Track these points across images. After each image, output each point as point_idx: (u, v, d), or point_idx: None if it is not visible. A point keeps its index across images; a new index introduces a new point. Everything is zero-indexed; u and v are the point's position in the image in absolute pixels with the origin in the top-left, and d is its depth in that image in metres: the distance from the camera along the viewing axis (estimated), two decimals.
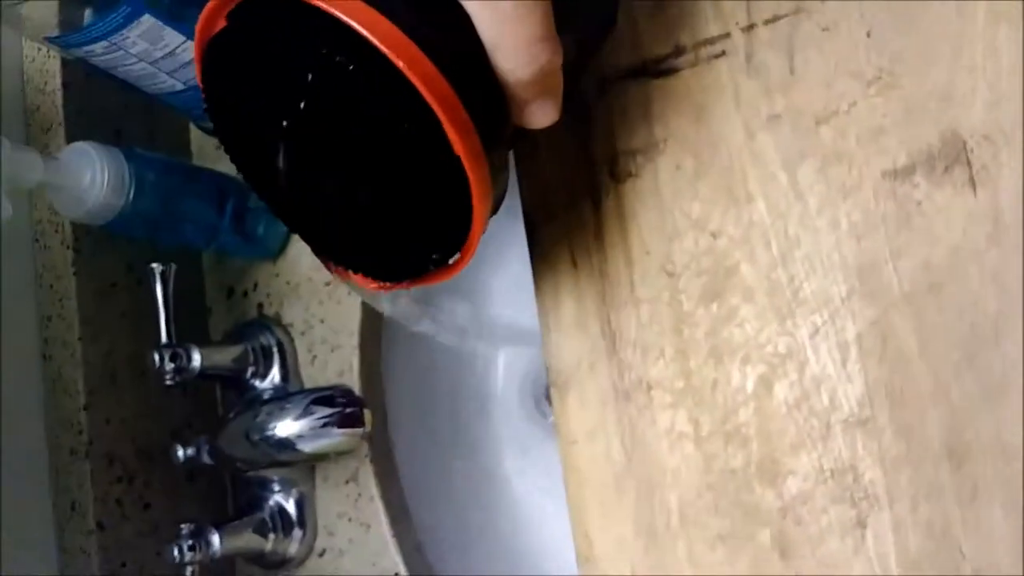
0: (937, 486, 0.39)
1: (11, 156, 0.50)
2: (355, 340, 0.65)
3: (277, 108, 0.35)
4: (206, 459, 0.62)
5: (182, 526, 0.59)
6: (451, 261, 0.37)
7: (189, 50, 0.53)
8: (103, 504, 0.61)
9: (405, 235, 0.37)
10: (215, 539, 0.59)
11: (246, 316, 0.70)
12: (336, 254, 0.40)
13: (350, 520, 0.65)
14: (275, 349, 0.66)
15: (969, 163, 0.39)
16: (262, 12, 0.33)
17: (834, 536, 0.40)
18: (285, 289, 0.68)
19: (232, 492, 0.71)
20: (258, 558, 0.65)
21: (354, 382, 0.65)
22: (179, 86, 0.55)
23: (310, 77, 0.32)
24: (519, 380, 0.77)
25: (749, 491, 0.42)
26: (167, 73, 0.54)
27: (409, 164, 0.33)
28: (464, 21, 0.33)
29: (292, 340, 0.67)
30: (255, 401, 0.64)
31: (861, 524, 0.40)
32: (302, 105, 0.33)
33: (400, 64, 0.31)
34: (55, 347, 0.62)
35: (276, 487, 0.65)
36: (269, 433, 0.57)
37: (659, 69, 0.45)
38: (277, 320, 0.68)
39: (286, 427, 0.56)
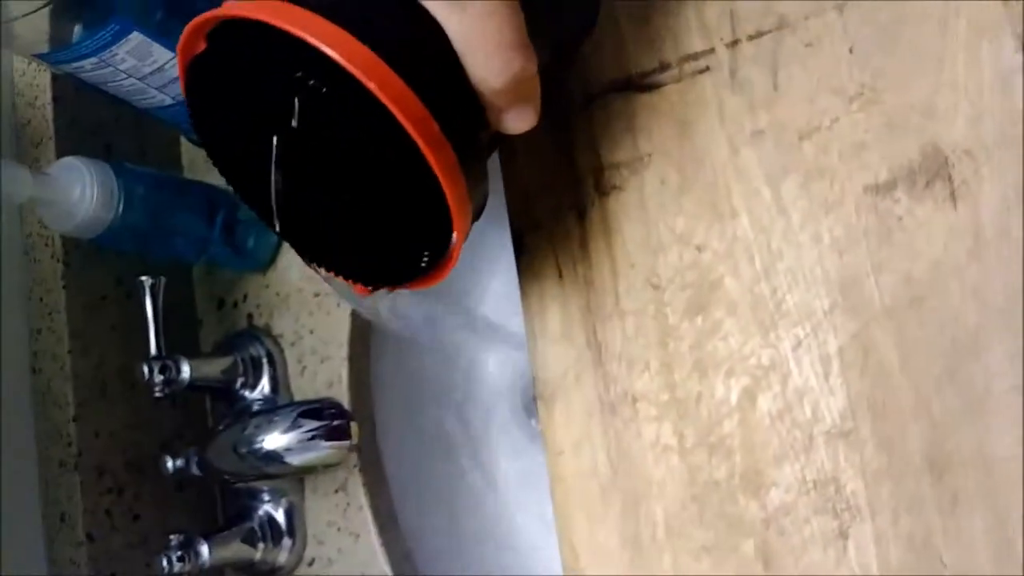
0: (918, 497, 0.39)
1: (1, 172, 0.50)
2: (344, 351, 0.66)
3: (260, 126, 0.35)
4: (195, 471, 0.62)
5: (171, 537, 0.59)
6: (435, 267, 0.38)
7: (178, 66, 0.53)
8: (92, 515, 0.61)
9: (390, 242, 0.37)
10: (204, 550, 0.59)
11: (236, 327, 0.70)
12: (324, 260, 0.40)
13: (339, 529, 0.65)
14: (265, 360, 0.66)
15: (950, 178, 0.40)
16: (237, 34, 0.33)
17: (817, 547, 0.41)
18: (275, 300, 0.69)
19: (221, 502, 0.71)
20: (247, 568, 0.65)
21: (343, 392, 0.66)
22: (168, 100, 0.56)
23: (286, 99, 0.33)
24: (508, 387, 0.77)
25: (733, 502, 0.42)
26: (156, 88, 0.54)
27: (389, 177, 0.34)
28: (436, 31, 0.33)
29: (282, 351, 0.68)
30: (244, 413, 0.64)
31: (843, 535, 0.40)
32: (284, 127, 0.34)
33: (371, 86, 0.31)
34: (45, 360, 0.62)
35: (265, 497, 0.65)
36: (257, 446, 0.57)
37: (644, 84, 0.46)
38: (267, 331, 0.68)
39: (274, 440, 0.57)
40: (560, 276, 0.47)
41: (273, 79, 0.33)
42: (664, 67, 0.45)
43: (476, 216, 0.37)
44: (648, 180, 0.45)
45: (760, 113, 0.43)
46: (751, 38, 0.43)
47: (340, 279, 0.40)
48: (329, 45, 0.31)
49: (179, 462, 0.62)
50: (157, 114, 0.57)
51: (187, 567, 0.58)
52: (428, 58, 0.34)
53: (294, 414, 0.57)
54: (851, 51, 0.42)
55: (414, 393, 0.75)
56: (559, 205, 0.47)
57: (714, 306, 0.43)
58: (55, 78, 0.62)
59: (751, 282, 0.43)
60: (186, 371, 0.60)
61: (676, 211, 0.44)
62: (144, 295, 0.59)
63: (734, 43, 0.44)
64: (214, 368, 0.64)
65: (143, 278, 0.59)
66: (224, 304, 0.71)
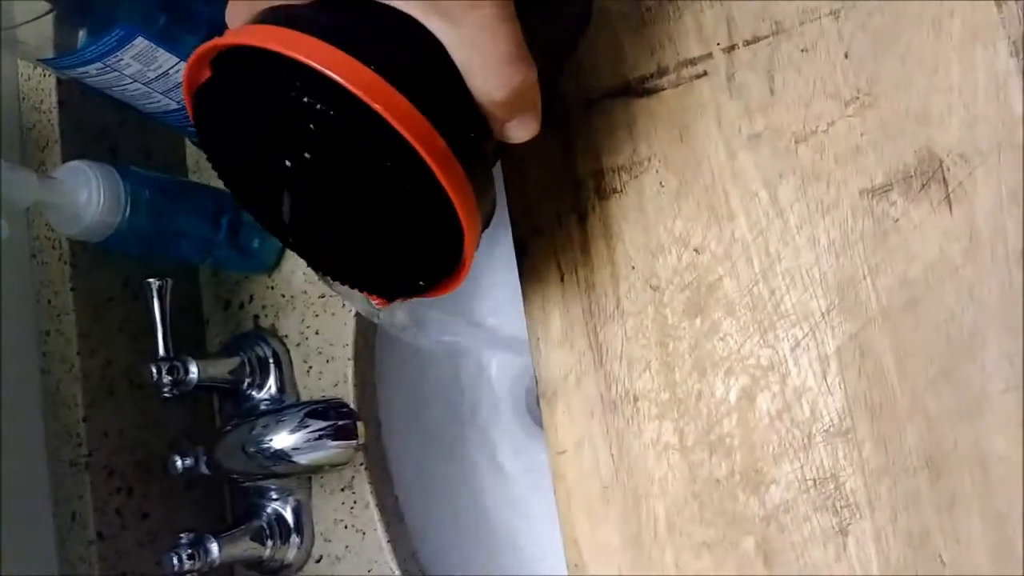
0: (916, 496, 0.40)
1: (7, 176, 0.50)
2: (349, 351, 0.66)
3: (268, 149, 0.36)
4: (204, 470, 0.63)
5: (181, 535, 0.60)
6: (449, 276, 0.38)
7: (182, 71, 0.54)
8: (103, 514, 0.61)
9: (403, 254, 0.38)
10: (214, 547, 0.59)
11: (242, 328, 0.71)
12: (340, 274, 0.41)
13: (346, 527, 0.66)
14: (271, 360, 0.67)
15: (945, 181, 0.40)
16: (241, 61, 0.34)
17: (816, 544, 0.41)
18: (280, 302, 0.69)
19: (230, 500, 0.71)
20: (256, 565, 0.66)
21: (348, 392, 0.66)
22: (173, 105, 0.56)
23: (293, 122, 0.33)
24: (511, 386, 0.78)
25: (733, 500, 0.43)
26: (161, 93, 0.55)
27: (399, 193, 0.34)
28: (436, 48, 0.34)
29: (288, 351, 0.68)
30: (251, 413, 0.65)
31: (843, 532, 0.41)
32: (294, 151, 0.34)
33: (377, 107, 0.32)
34: (54, 361, 0.62)
35: (273, 495, 0.66)
36: (265, 445, 0.58)
37: (642, 88, 0.46)
38: (273, 332, 0.69)
39: (281, 440, 0.57)
40: (561, 279, 0.47)
41: (279, 103, 0.33)
42: (662, 72, 0.46)
43: (485, 225, 0.38)
44: (647, 184, 0.46)
45: (757, 117, 0.44)
46: (748, 43, 0.44)
47: (356, 291, 0.40)
48: (332, 69, 0.31)
49: (188, 461, 0.63)
50: (162, 119, 0.58)
51: (197, 565, 0.58)
52: (430, 75, 0.34)
53: (301, 414, 0.57)
54: (846, 56, 0.42)
55: (418, 392, 0.75)
56: (560, 209, 0.48)
57: (713, 307, 0.44)
58: (60, 82, 0.63)
59: (749, 283, 0.43)
60: (194, 371, 0.61)
61: (675, 214, 0.45)
62: (151, 297, 0.60)
63: (731, 48, 0.44)
64: (221, 369, 0.65)
65: (150, 280, 0.60)
66: (230, 305, 0.71)
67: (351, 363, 0.66)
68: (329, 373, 0.67)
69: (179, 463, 0.63)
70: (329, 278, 0.41)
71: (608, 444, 0.46)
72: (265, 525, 0.65)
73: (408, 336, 0.55)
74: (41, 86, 0.63)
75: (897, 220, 0.41)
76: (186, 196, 0.63)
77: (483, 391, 0.78)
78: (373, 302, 0.41)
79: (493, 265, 0.72)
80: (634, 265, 0.46)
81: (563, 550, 0.46)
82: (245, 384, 0.66)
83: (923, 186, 0.40)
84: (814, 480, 0.41)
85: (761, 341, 0.43)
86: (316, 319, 0.67)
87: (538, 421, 0.75)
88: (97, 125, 0.65)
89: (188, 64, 0.35)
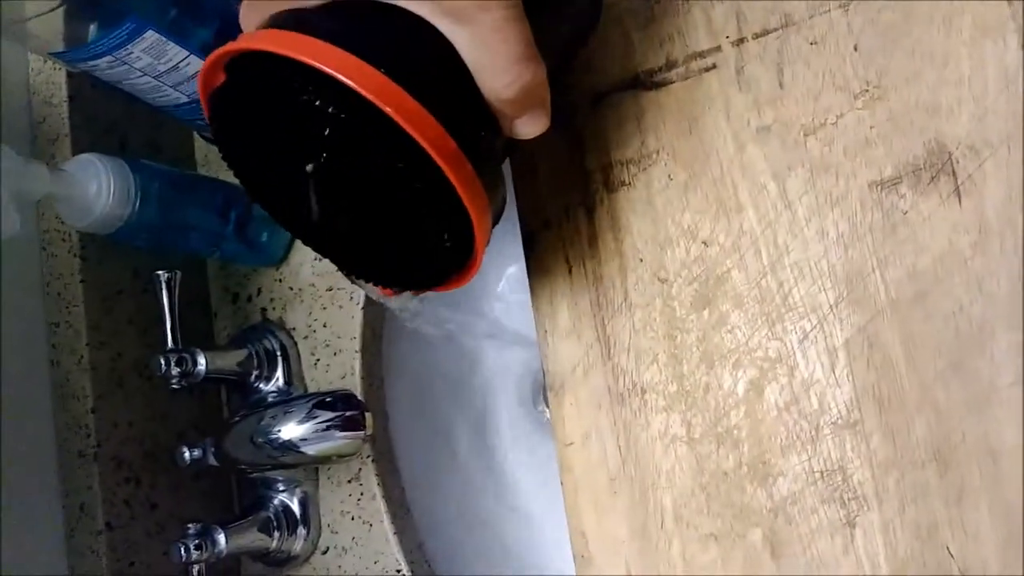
0: (925, 488, 0.40)
1: (18, 168, 0.50)
2: (357, 343, 0.67)
3: (283, 151, 0.36)
4: (212, 461, 0.63)
5: (188, 526, 0.60)
6: (460, 270, 0.39)
7: (193, 64, 0.54)
8: (111, 505, 0.62)
9: (416, 249, 0.38)
10: (221, 538, 0.60)
11: (250, 320, 0.71)
12: (355, 268, 0.41)
13: (353, 518, 0.66)
14: (279, 353, 0.67)
15: (955, 173, 0.40)
16: (254, 66, 0.34)
17: (824, 536, 0.41)
18: (288, 295, 0.69)
19: (237, 492, 0.72)
20: (263, 556, 0.66)
21: (356, 384, 0.66)
22: (183, 99, 0.56)
23: (306, 125, 0.33)
24: (518, 379, 0.78)
25: (741, 492, 0.43)
26: (171, 86, 0.55)
27: (412, 192, 0.35)
28: (446, 47, 0.34)
29: (295, 344, 0.68)
30: (259, 404, 0.65)
31: (850, 524, 0.41)
32: (308, 153, 0.35)
33: (387, 110, 0.32)
34: (63, 353, 0.63)
35: (280, 486, 0.66)
36: (273, 436, 0.58)
37: (652, 81, 0.46)
38: (281, 324, 0.69)
39: (289, 431, 0.57)
40: (569, 271, 0.48)
41: (292, 107, 0.33)
42: (671, 65, 0.46)
43: (496, 219, 0.38)
44: (656, 176, 0.46)
45: (766, 110, 0.44)
46: (757, 36, 0.44)
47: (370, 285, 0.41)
48: (343, 73, 0.32)
49: (196, 452, 0.63)
50: (172, 112, 0.58)
51: (204, 555, 0.59)
52: (440, 75, 0.34)
53: (309, 405, 0.58)
54: (856, 49, 0.42)
55: (425, 384, 0.75)
56: (568, 202, 0.48)
57: (721, 299, 0.44)
58: (70, 76, 0.63)
59: (758, 276, 0.43)
60: (202, 363, 0.61)
61: (683, 206, 0.45)
62: (160, 289, 0.60)
63: (740, 41, 0.44)
64: (229, 361, 0.65)
65: (159, 272, 0.60)
66: (239, 298, 0.72)
67: (358, 356, 0.67)
68: (336, 366, 0.67)
69: (187, 454, 0.63)
70: (347, 274, 0.42)
71: (615, 436, 0.46)
72: (272, 516, 0.65)
73: (415, 322, 0.56)
74: (51, 79, 0.64)
75: (906, 212, 0.41)
76: (195, 189, 0.63)
77: (492, 383, 0.78)
78: (381, 292, 0.42)
79: (501, 256, 0.72)
80: (642, 258, 0.46)
81: (570, 542, 0.46)
82: (253, 376, 0.66)
83: (932, 178, 0.40)
84: (822, 472, 0.41)
85: (769, 333, 0.43)
86: (324, 312, 0.68)
87: (546, 413, 0.75)
88: (107, 118, 0.65)
89: (203, 68, 0.35)
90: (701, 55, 0.45)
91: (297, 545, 0.66)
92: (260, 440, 0.59)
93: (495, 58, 0.34)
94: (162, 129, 0.70)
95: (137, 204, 0.55)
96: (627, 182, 0.46)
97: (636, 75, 0.47)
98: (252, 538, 0.63)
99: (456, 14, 0.33)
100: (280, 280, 0.70)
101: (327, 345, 0.67)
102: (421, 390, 0.75)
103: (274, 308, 0.70)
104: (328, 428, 0.57)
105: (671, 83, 0.46)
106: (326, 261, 0.44)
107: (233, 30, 0.37)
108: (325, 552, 0.67)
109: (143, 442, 0.65)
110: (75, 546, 0.62)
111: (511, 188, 0.50)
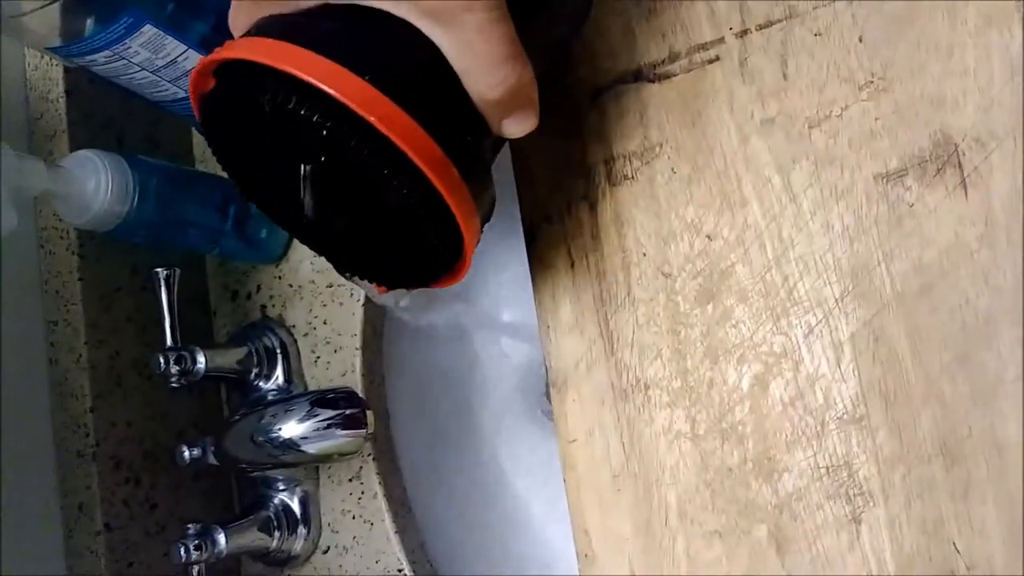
0: (931, 483, 0.39)
1: (15, 165, 0.50)
2: (357, 341, 0.66)
3: (273, 155, 0.36)
4: (212, 460, 0.63)
5: (188, 526, 0.60)
6: (452, 269, 0.39)
7: (191, 58, 0.53)
8: (110, 505, 0.62)
9: (406, 250, 0.38)
10: (221, 538, 0.59)
11: (250, 318, 0.71)
12: (348, 265, 0.41)
13: (354, 517, 0.66)
14: (279, 350, 0.67)
15: (960, 166, 0.40)
16: (241, 73, 0.34)
17: (829, 532, 0.41)
18: (288, 292, 0.69)
19: (237, 491, 0.72)
20: (263, 556, 0.66)
21: (356, 382, 0.66)
22: (181, 94, 0.56)
23: (293, 131, 0.33)
24: (520, 377, 0.77)
25: (745, 488, 0.43)
26: (169, 81, 0.55)
27: (400, 196, 0.34)
28: (431, 50, 0.34)
29: (295, 341, 0.68)
30: (259, 403, 0.65)
31: (856, 520, 0.40)
32: (298, 159, 0.35)
33: (371, 120, 0.32)
34: (61, 351, 0.62)
35: (281, 486, 0.66)
36: (274, 435, 0.58)
37: (654, 74, 0.46)
38: (280, 322, 0.69)
39: (290, 429, 0.57)
40: (572, 266, 0.47)
41: (279, 114, 0.33)
42: (674, 57, 0.46)
43: (485, 220, 0.38)
44: (659, 170, 0.45)
45: (770, 102, 0.43)
46: (760, 28, 0.44)
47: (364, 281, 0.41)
48: (327, 82, 0.32)
49: (195, 452, 0.63)
50: (170, 107, 0.57)
51: (204, 555, 0.58)
52: (425, 80, 0.34)
53: (310, 403, 0.57)
54: (860, 40, 0.42)
55: (427, 383, 0.75)
56: (571, 196, 0.48)
57: (725, 294, 0.44)
58: (68, 71, 0.63)
59: (762, 270, 0.43)
60: (201, 362, 0.61)
61: (687, 200, 0.45)
62: (159, 286, 0.60)
63: (743, 33, 0.44)
64: (229, 359, 0.65)
65: (158, 269, 0.60)
66: (238, 295, 0.71)
67: (359, 353, 0.66)
68: (337, 363, 0.67)
69: (186, 453, 0.63)
70: (341, 271, 0.42)
71: (619, 432, 0.45)
72: (272, 516, 0.65)
73: (410, 316, 0.55)
74: (49, 75, 0.63)
75: (912, 205, 0.40)
76: (193, 185, 0.63)
77: (493, 381, 0.78)
78: (374, 289, 0.42)
79: (501, 252, 0.72)
80: (645, 252, 0.45)
81: (573, 540, 0.46)
82: (253, 374, 0.66)
83: (938, 171, 0.40)
84: (827, 468, 0.41)
85: (774, 328, 0.43)
86: (324, 309, 0.67)
87: (548, 411, 0.75)
88: (104, 114, 0.65)
89: (192, 74, 0.36)
90: (704, 47, 0.45)
91: (298, 545, 0.66)
92: (260, 439, 0.58)
93: (480, 59, 0.34)
94: (160, 125, 0.69)
95: (135, 200, 0.55)
96: (630, 176, 0.46)
97: (639, 68, 0.46)
98: (252, 538, 0.63)
99: (440, 16, 0.33)
100: (280, 277, 0.70)
101: (327, 342, 0.67)
102: (422, 388, 0.74)
103: (274, 305, 0.70)
104: (329, 426, 0.57)
105: (674, 75, 0.46)
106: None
107: None
108: (326, 551, 0.67)
109: (142, 441, 0.64)
110: (74, 547, 0.62)
111: (512, 183, 0.49)
